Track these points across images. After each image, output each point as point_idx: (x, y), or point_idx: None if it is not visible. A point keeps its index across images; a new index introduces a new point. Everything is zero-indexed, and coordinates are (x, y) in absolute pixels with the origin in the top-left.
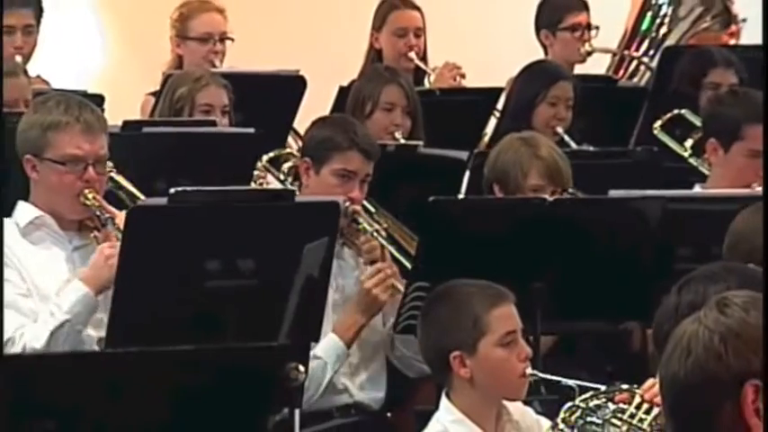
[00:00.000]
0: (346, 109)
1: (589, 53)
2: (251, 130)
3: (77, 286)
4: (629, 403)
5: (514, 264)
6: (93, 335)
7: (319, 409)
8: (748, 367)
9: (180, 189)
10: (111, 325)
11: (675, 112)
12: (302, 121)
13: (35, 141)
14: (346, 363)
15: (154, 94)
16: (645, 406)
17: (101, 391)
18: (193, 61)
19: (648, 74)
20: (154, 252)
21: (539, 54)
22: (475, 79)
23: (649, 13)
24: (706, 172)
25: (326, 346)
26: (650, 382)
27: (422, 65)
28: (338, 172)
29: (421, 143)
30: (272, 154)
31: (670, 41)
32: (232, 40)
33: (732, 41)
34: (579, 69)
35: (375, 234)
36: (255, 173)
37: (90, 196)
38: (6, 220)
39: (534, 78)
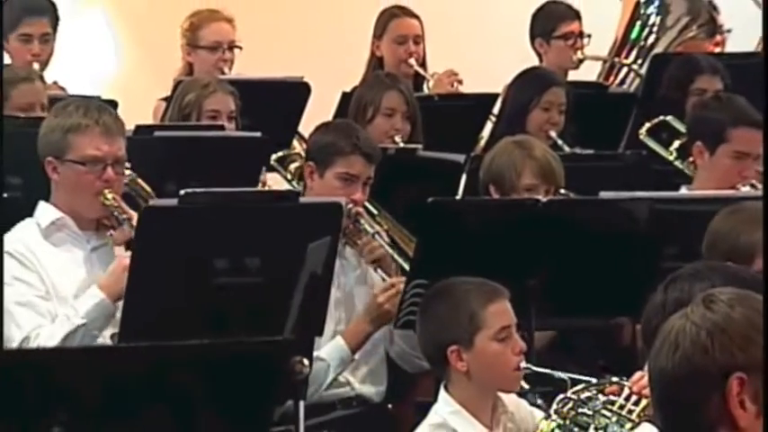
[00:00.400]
0: (349, 114)
1: (581, 60)
2: (258, 134)
3: (95, 293)
4: (619, 395)
5: (509, 262)
6: (106, 333)
7: (322, 402)
8: (733, 361)
9: (189, 190)
10: (123, 320)
11: (661, 118)
12: (307, 126)
13: (56, 144)
14: None
15: (165, 99)
16: (633, 398)
17: (113, 384)
18: (203, 69)
19: (638, 80)
20: (165, 250)
21: (533, 61)
22: (472, 85)
23: (638, 23)
24: (690, 174)
25: (332, 349)
26: (638, 374)
27: (421, 71)
28: (341, 175)
29: (420, 146)
30: (280, 153)
31: (658, 49)
32: (240, 48)
33: (717, 50)
34: (572, 76)
35: (376, 236)
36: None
37: (109, 196)
38: (28, 220)
39: (528, 84)
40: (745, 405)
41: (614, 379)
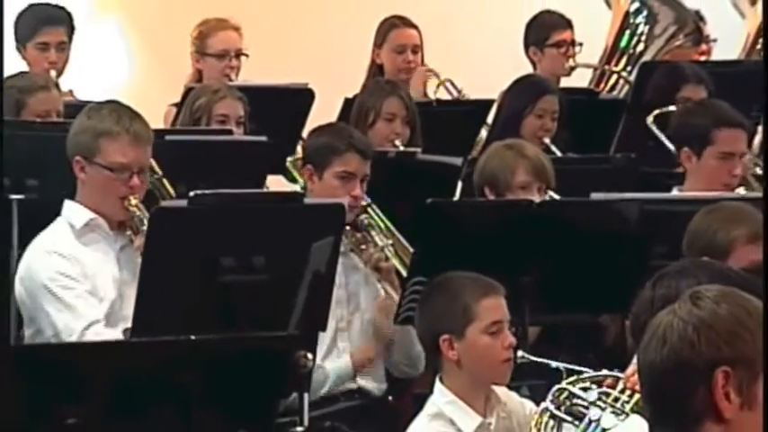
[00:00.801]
0: (350, 119)
1: (573, 68)
2: (264, 138)
3: None
4: (614, 388)
5: (504, 260)
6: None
7: (326, 394)
8: (719, 355)
9: (199, 192)
10: (136, 316)
11: (669, 108)
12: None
13: (87, 145)
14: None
15: (176, 105)
16: (628, 391)
17: (126, 377)
18: (212, 75)
19: (627, 87)
20: (175, 250)
21: (527, 69)
22: (468, 92)
23: (628, 31)
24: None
25: (337, 365)
26: (632, 368)
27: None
28: (339, 174)
29: (419, 150)
30: (296, 156)
31: (647, 57)
32: (247, 56)
33: (703, 58)
34: (564, 83)
35: (386, 249)
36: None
37: (133, 202)
38: (59, 220)
39: (523, 92)
40: (730, 397)
41: (609, 372)
